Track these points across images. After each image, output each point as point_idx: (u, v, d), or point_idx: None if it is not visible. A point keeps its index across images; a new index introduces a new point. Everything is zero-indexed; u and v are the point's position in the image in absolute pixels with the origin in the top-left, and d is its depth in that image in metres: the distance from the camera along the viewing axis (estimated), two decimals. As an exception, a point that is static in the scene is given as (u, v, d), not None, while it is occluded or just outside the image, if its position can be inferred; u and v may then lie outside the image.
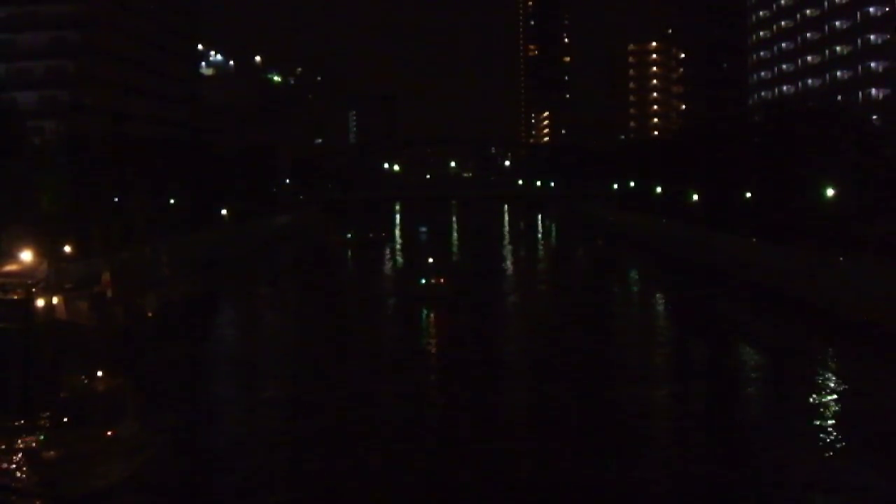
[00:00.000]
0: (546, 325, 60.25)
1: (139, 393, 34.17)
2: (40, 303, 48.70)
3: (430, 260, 78.93)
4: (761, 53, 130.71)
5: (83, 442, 28.84)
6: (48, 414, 30.76)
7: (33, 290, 48.78)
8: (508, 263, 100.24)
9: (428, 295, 66.38)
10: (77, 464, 28.04)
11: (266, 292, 79.46)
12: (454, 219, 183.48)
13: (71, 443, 28.65)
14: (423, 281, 68.69)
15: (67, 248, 61.30)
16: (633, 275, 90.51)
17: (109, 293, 54.96)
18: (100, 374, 33.88)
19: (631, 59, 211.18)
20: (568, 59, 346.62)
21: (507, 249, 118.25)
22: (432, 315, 63.42)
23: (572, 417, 37.90)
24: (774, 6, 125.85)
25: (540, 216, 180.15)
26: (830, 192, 66.12)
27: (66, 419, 30.41)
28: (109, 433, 29.69)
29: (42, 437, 29.12)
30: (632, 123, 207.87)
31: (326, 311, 67.94)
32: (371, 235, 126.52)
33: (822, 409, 38.73)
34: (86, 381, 33.52)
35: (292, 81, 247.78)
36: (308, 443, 34.77)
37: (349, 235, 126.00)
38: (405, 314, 64.86)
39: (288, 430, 36.71)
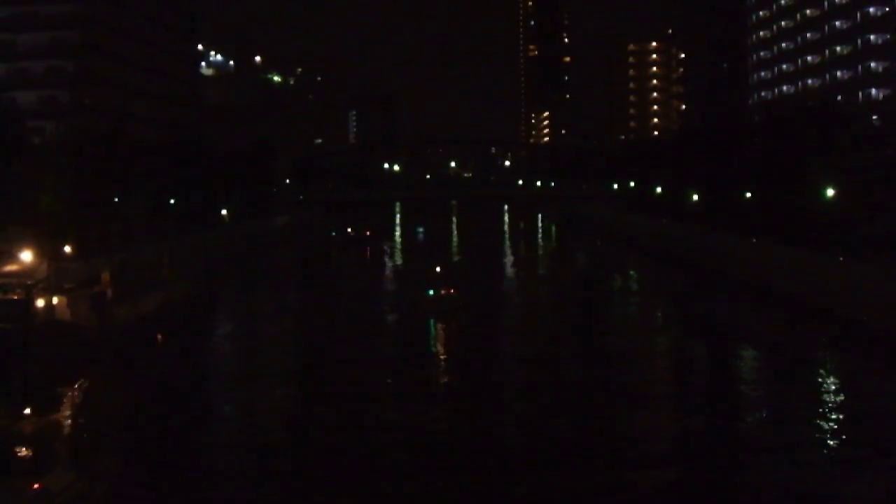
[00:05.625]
0: (566, 342, 56.58)
1: (81, 430, 29.12)
2: (40, 303, 48.66)
3: (438, 269, 73.12)
4: (761, 53, 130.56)
5: (3, 497, 24.22)
6: None
7: (33, 290, 48.77)
8: (514, 269, 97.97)
9: (437, 307, 61.62)
10: None
11: (264, 299, 77.08)
12: (454, 219, 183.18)
13: None
14: (432, 292, 63.69)
15: (67, 248, 61.27)
16: (635, 276, 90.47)
17: (109, 293, 54.93)
18: (27, 410, 28.29)
19: (631, 59, 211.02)
20: (568, 59, 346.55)
21: (511, 253, 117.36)
22: (446, 331, 58.27)
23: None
24: (774, 6, 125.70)
25: (540, 216, 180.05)
26: (830, 192, 66.14)
27: None
28: (36, 485, 24.55)
29: None
30: (632, 123, 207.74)
31: (326, 323, 62.92)
32: (352, 233, 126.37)
33: (821, 410, 38.70)
34: (9, 422, 27.65)
35: (292, 81, 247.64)
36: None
37: (333, 234, 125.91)
38: (416, 330, 58.39)
39: (270, 477, 31.43)
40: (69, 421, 28.53)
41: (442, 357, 52.31)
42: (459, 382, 45.71)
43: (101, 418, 37.26)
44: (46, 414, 28.96)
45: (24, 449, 25.62)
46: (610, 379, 45.49)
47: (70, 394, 29.60)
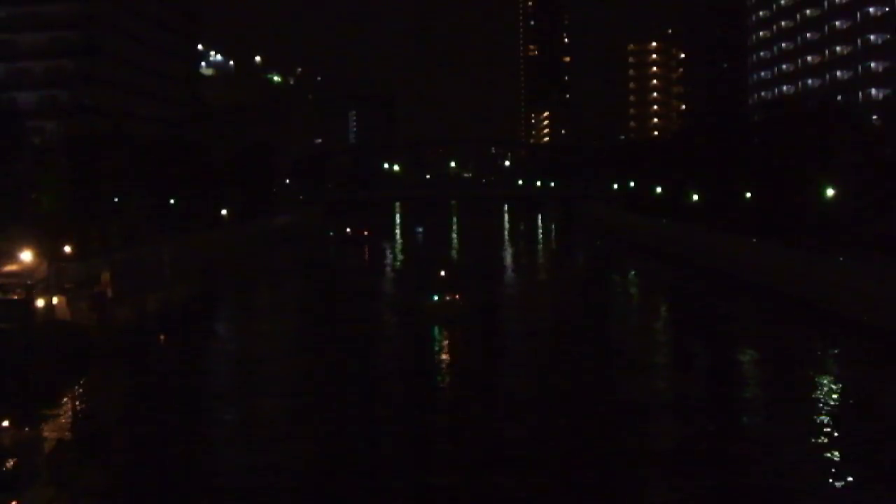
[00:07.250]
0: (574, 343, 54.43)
1: (66, 440, 28.02)
2: (40, 303, 48.67)
3: (442, 273, 68.56)
4: (761, 53, 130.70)
5: None
6: None
7: (33, 290, 48.81)
8: (516, 271, 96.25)
9: (442, 313, 58.36)
10: None
11: (263, 300, 76.41)
12: (454, 220, 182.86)
13: None
14: (436, 297, 59.86)
15: (67, 248, 61.27)
16: (635, 277, 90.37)
17: (109, 293, 54.95)
18: (6, 423, 26.76)
19: (631, 59, 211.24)
20: (568, 59, 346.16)
21: (512, 254, 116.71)
22: (452, 340, 54.82)
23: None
24: (774, 6, 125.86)
25: (540, 217, 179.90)
26: (830, 191, 66.17)
27: None
28: (14, 502, 23.04)
29: None
30: (632, 123, 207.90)
31: (326, 327, 60.56)
32: (350, 233, 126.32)
33: (821, 410, 38.70)
34: None
35: (292, 81, 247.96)
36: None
37: (331, 233, 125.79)
38: (422, 341, 54.58)
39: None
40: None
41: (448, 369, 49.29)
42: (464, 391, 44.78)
43: (93, 423, 37.33)
44: (26, 426, 27.99)
45: (1, 462, 24.06)
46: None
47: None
